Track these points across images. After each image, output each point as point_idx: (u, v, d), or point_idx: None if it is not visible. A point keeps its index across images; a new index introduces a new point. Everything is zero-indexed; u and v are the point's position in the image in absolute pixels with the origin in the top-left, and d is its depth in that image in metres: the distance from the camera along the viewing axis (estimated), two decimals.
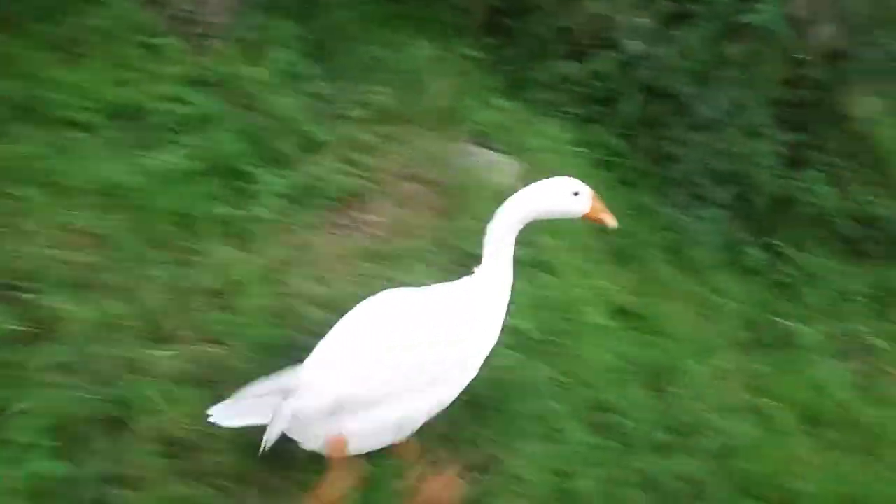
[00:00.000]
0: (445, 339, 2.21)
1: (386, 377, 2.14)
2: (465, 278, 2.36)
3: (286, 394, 2.07)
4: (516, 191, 2.36)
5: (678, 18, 5.32)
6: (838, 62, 5.44)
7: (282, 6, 4.75)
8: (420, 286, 2.41)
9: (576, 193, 2.32)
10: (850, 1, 5.35)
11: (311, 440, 2.16)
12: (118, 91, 3.77)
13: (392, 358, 2.13)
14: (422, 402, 2.20)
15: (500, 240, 2.30)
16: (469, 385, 2.34)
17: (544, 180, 2.36)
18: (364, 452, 2.21)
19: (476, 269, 2.36)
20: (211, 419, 2.14)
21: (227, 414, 2.14)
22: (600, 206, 2.35)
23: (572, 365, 3.23)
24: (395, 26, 5.22)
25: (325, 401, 2.08)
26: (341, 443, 2.10)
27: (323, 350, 2.19)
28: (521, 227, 2.33)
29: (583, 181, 2.38)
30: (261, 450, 2.07)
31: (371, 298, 2.32)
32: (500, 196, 2.43)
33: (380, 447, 2.24)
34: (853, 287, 4.99)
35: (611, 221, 2.36)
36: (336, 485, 2.13)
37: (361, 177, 3.95)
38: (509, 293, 2.37)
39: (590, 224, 2.49)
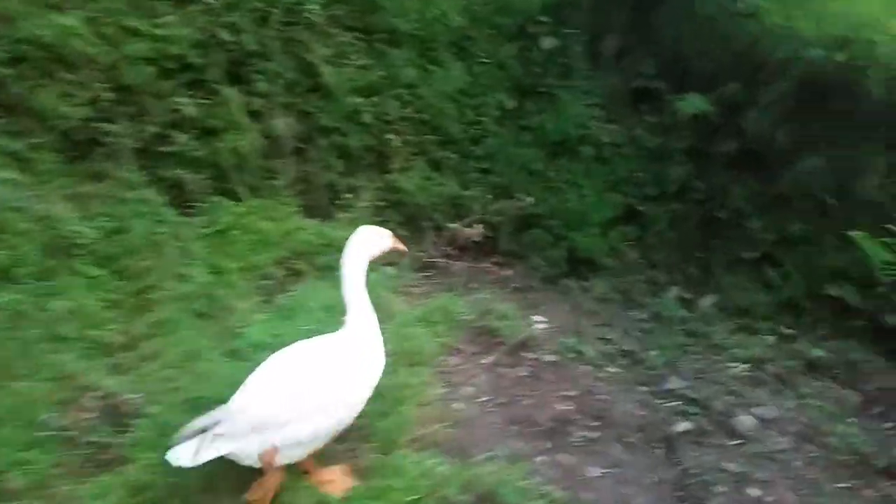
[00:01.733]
0: (339, 374, 2.94)
1: (297, 401, 2.79)
2: (348, 325, 3.10)
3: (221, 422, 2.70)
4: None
5: None
6: None
7: None
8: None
9: (382, 237, 3.17)
10: None
11: (245, 456, 2.78)
12: None
13: (301, 387, 2.82)
14: (326, 421, 2.87)
15: (355, 285, 3.06)
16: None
17: (355, 233, 3.16)
18: (286, 462, 2.89)
19: (346, 317, 3.12)
20: (175, 463, 2.69)
21: (184, 455, 2.69)
22: (397, 241, 3.27)
23: None
24: None
25: (252, 419, 2.73)
26: (272, 453, 2.77)
27: (248, 386, 2.82)
28: (364, 268, 3.09)
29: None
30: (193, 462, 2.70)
31: (281, 350, 3.00)
32: None
33: (298, 458, 2.93)
34: None
35: (402, 248, 3.31)
36: (267, 486, 2.86)
37: None
38: (377, 326, 3.14)
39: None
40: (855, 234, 4.53)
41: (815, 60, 5.00)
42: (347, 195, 5.60)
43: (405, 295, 5.12)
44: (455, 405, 3.93)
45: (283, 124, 5.23)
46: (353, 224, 5.29)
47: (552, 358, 4.64)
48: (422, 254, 5.83)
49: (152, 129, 4.82)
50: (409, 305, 4.86)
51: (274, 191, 5.28)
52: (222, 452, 2.69)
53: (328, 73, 5.36)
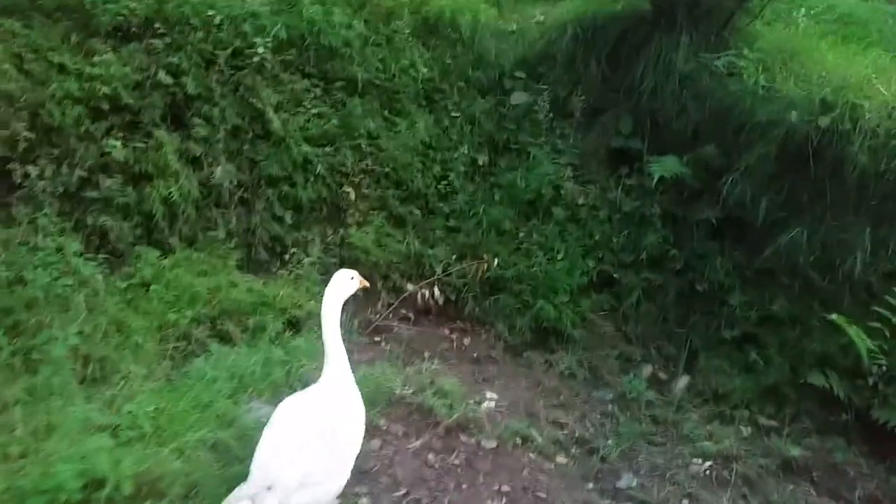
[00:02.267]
0: (348, 419, 3.12)
1: (330, 453, 2.95)
2: (327, 372, 3.23)
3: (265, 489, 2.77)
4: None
5: None
6: None
7: None
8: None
9: (352, 278, 3.45)
10: None
11: None
12: None
13: (328, 440, 2.95)
14: (350, 463, 3.05)
15: (333, 324, 3.28)
16: None
17: (334, 277, 3.41)
18: None
19: (326, 362, 3.27)
20: None
21: None
22: (364, 282, 3.56)
23: None
24: None
25: (293, 482, 2.82)
26: None
27: (274, 452, 2.87)
28: (339, 311, 3.33)
29: None
30: None
31: (282, 405, 3.12)
32: None
33: None
34: None
35: (366, 284, 3.60)
36: None
37: None
38: (352, 376, 3.27)
39: None
40: (838, 317, 4.01)
41: (798, 124, 4.56)
42: (294, 250, 5.22)
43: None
44: (361, 502, 3.43)
45: (222, 172, 4.89)
46: (297, 282, 5.02)
47: (493, 444, 4.12)
48: (374, 317, 5.40)
49: (78, 172, 4.49)
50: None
51: (211, 243, 4.90)
52: None
53: (276, 120, 5.03)
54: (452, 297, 5.65)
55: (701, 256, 5.38)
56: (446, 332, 5.55)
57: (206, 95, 4.93)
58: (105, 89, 4.56)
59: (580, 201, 5.89)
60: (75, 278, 4.15)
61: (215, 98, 4.93)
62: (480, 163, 6.14)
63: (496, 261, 5.60)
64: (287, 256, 5.20)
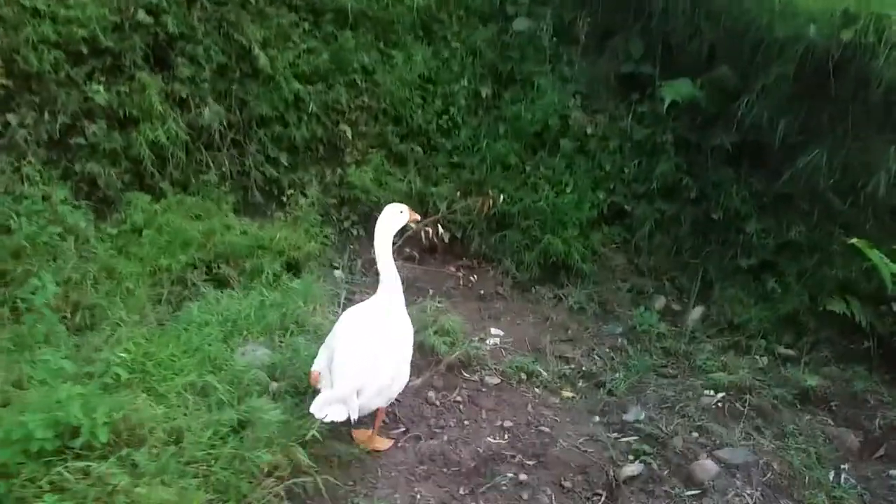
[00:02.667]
0: (407, 336, 3.39)
1: (396, 367, 3.24)
2: (382, 291, 3.44)
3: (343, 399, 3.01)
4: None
5: None
6: None
7: None
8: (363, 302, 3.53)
9: (401, 212, 3.49)
10: None
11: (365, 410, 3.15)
12: None
13: (394, 354, 3.24)
14: (405, 377, 3.33)
15: (386, 254, 3.41)
16: None
17: (383, 212, 3.47)
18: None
19: (381, 284, 3.44)
20: (329, 420, 2.96)
21: (337, 414, 2.97)
22: (415, 214, 3.60)
23: None
24: None
25: (375, 389, 3.12)
26: (382, 412, 3.37)
27: (350, 357, 3.11)
28: (391, 242, 3.47)
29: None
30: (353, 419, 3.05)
31: (348, 315, 3.37)
32: None
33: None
34: None
35: (417, 217, 3.64)
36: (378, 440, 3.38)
37: None
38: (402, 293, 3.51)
39: None
40: (859, 242, 3.77)
41: (818, 40, 4.22)
42: (291, 191, 5.07)
43: (347, 302, 4.56)
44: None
45: (210, 113, 4.72)
46: (295, 224, 4.88)
47: (496, 380, 4.01)
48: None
49: (61, 119, 4.34)
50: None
51: (205, 186, 4.77)
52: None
53: (263, 57, 4.82)
54: (458, 235, 5.49)
55: (716, 184, 5.13)
56: (452, 269, 5.41)
57: (189, 34, 4.71)
58: (82, 32, 4.37)
59: (589, 131, 5.62)
60: (63, 226, 4.05)
61: (198, 36, 4.72)
62: (483, 95, 5.88)
63: (501, 197, 5.40)
64: (284, 198, 5.06)
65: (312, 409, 2.92)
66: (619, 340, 4.60)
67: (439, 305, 4.67)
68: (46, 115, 4.33)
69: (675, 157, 5.34)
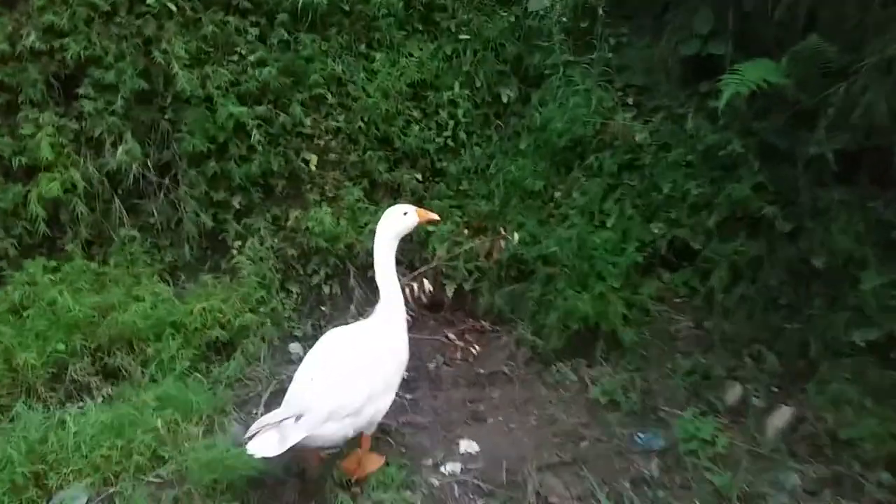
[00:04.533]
0: (390, 357, 3.01)
1: (362, 390, 2.87)
2: (378, 310, 3.09)
3: (293, 418, 2.72)
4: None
5: None
6: None
7: None
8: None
9: (405, 213, 3.11)
10: None
11: (322, 440, 2.84)
12: None
13: (363, 376, 2.89)
14: (382, 402, 2.96)
15: (387, 266, 3.06)
16: None
17: (385, 214, 3.11)
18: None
19: (380, 302, 3.07)
20: (257, 455, 2.64)
21: (267, 446, 2.65)
22: (424, 212, 3.18)
23: None
24: None
25: (323, 414, 2.77)
26: (367, 439, 3.01)
27: (305, 379, 2.88)
28: (394, 252, 3.10)
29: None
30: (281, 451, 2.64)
31: (326, 336, 3.07)
32: None
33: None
34: None
35: (435, 217, 3.23)
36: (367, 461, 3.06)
37: None
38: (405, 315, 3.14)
39: None
40: None
41: None
42: (238, 243, 4.03)
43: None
44: None
45: (123, 153, 3.78)
46: (232, 289, 3.84)
47: None
48: (352, 321, 4.09)
49: None
50: None
51: (122, 247, 3.85)
52: (301, 438, 2.69)
53: (183, 78, 3.79)
54: (466, 287, 4.19)
55: (817, 212, 3.43)
56: (452, 336, 4.12)
57: (98, 57, 3.80)
58: None
59: (640, 139, 4.10)
60: None
61: (109, 59, 3.79)
62: (505, 99, 4.53)
63: (516, 236, 4.03)
64: (220, 255, 4.03)
65: (246, 435, 2.66)
66: (652, 467, 3.08)
67: (407, 399, 3.45)
68: None
69: (758, 171, 3.69)
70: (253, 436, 2.65)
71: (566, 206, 4.14)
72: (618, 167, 4.12)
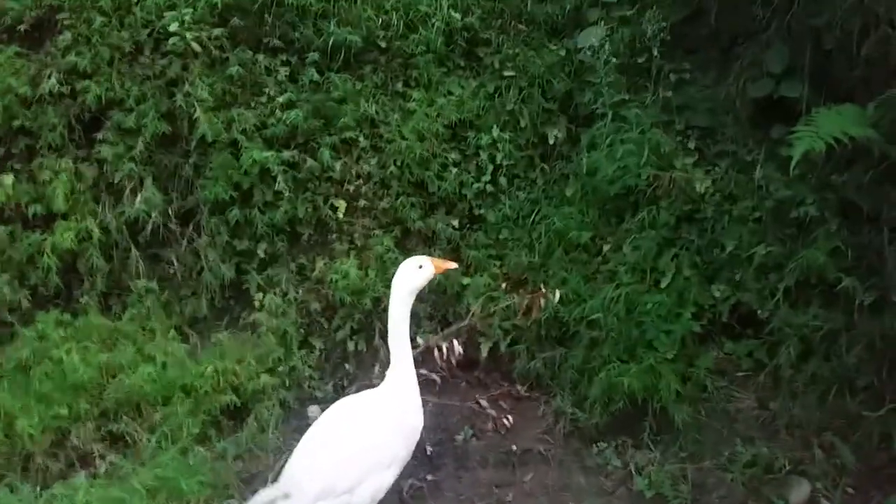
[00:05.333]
0: (392, 432, 2.79)
1: (359, 467, 2.71)
2: (388, 376, 2.89)
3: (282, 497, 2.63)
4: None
5: None
6: None
7: None
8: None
9: (420, 266, 2.90)
10: None
11: None
12: None
13: (361, 453, 2.72)
14: (384, 479, 2.77)
15: (401, 327, 2.85)
16: None
17: (399, 268, 2.92)
18: None
19: (390, 368, 2.88)
20: None
21: None
22: (440, 262, 2.98)
23: None
24: None
25: (311, 494, 2.63)
26: None
27: (300, 457, 2.76)
28: (409, 310, 2.89)
29: None
30: None
31: (330, 408, 2.90)
32: None
33: None
34: None
35: (453, 265, 3.07)
36: None
37: None
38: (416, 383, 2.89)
39: None
40: None
41: None
42: (259, 296, 3.80)
43: None
44: None
45: (142, 201, 3.61)
46: (249, 345, 3.61)
47: None
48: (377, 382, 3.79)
49: None
50: None
51: (138, 300, 3.68)
52: None
53: (205, 121, 3.60)
54: (501, 347, 3.83)
55: None
56: (484, 403, 3.76)
57: (120, 99, 3.65)
58: None
59: (701, 188, 3.67)
60: None
61: (130, 102, 3.64)
62: (552, 140, 4.17)
63: (558, 294, 3.65)
64: (240, 308, 3.81)
65: None
66: None
67: (428, 481, 3.12)
68: None
69: (837, 232, 3.21)
70: None
71: (615, 261, 3.73)
72: (675, 220, 3.69)
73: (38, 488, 2.94)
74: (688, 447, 3.25)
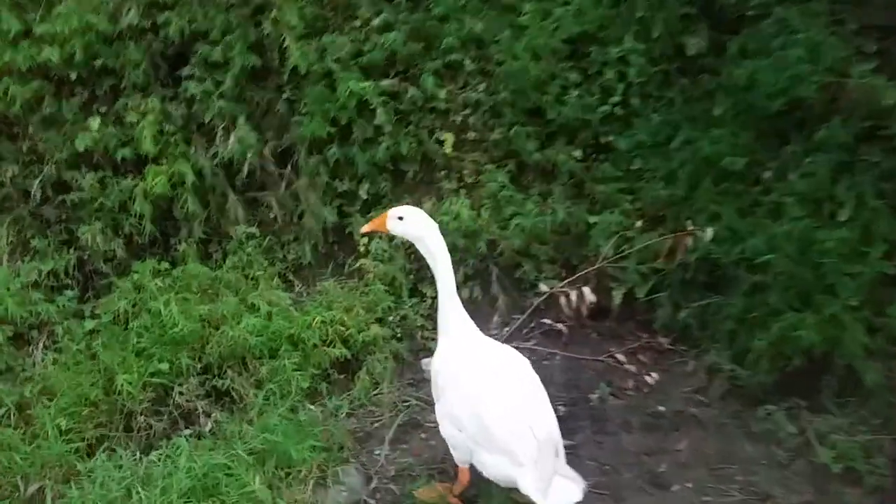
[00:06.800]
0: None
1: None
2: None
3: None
4: None
5: None
6: None
7: None
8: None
9: (400, 218, 2.54)
10: None
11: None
12: None
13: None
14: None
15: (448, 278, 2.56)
16: None
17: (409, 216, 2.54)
18: None
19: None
20: None
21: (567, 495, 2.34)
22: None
23: None
24: None
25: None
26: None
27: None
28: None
29: None
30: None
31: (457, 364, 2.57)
32: None
33: None
34: None
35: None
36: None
37: None
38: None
39: None
40: None
41: None
42: (364, 241, 3.43)
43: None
44: None
45: (235, 141, 3.29)
46: (359, 294, 3.27)
47: None
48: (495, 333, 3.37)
49: (47, 170, 3.32)
50: None
51: (239, 247, 3.39)
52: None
53: (296, 51, 3.21)
54: (637, 294, 3.31)
55: None
56: (621, 358, 3.28)
57: (205, 31, 3.31)
58: (54, 55, 3.23)
59: (887, 101, 2.96)
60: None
61: (215, 34, 3.29)
62: (692, 52, 3.54)
63: (709, 231, 3.10)
64: (345, 254, 3.46)
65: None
66: None
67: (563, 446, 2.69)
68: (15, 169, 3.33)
69: None
70: None
71: (780, 192, 3.12)
72: (854, 139, 3.04)
73: (139, 452, 2.72)
74: (881, 412, 2.67)
